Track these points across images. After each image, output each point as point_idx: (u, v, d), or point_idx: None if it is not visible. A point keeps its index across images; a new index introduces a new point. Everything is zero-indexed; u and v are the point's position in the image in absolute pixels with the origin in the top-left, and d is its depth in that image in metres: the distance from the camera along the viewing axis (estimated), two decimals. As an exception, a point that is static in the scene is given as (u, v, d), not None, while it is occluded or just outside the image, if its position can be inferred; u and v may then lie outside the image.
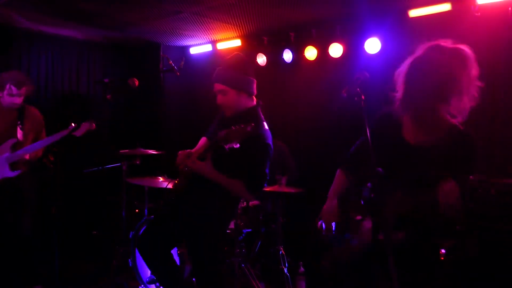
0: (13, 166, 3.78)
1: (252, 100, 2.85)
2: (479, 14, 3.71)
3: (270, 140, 2.74)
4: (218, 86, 2.75)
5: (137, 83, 3.15)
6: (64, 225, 5.37)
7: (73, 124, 3.78)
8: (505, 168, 3.63)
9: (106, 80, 4.38)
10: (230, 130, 2.41)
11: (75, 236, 5.47)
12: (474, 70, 2.02)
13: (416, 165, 2.00)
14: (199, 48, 5.92)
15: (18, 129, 3.88)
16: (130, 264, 4.27)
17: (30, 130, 3.98)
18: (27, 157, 3.81)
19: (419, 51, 2.10)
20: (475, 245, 3.12)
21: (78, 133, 3.77)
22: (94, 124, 3.80)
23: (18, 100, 3.88)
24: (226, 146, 2.44)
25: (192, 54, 5.99)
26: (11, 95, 3.83)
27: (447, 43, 2.05)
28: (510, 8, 3.63)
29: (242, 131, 2.40)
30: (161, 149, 4.43)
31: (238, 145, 2.44)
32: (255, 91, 2.84)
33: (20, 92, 3.85)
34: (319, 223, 2.39)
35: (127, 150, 4.35)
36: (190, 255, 2.96)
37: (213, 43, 5.74)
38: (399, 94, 2.09)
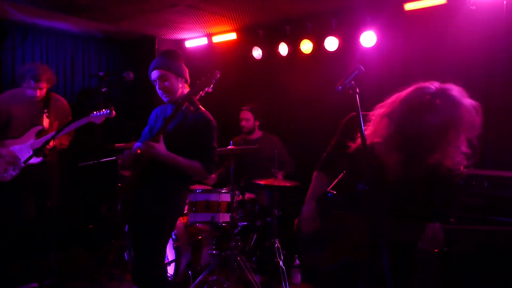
0: (37, 152, 3.86)
1: (187, 88, 2.93)
2: (474, 7, 3.71)
3: (212, 118, 2.82)
4: (157, 73, 2.80)
5: (132, 76, 3.15)
6: (60, 218, 5.39)
7: (95, 112, 3.79)
8: (498, 161, 3.65)
9: (101, 74, 4.38)
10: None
11: (71, 229, 5.47)
12: (469, 121, 1.85)
13: (387, 189, 1.96)
14: (194, 41, 5.89)
15: (45, 117, 4.00)
16: (126, 258, 4.29)
17: (55, 119, 4.10)
18: (51, 144, 3.84)
19: (409, 90, 1.96)
20: (469, 239, 3.14)
21: (97, 121, 3.81)
22: (114, 112, 3.81)
23: (39, 93, 3.99)
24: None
25: (188, 48, 5.97)
26: (30, 88, 3.94)
27: (438, 87, 1.91)
28: (505, 2, 3.64)
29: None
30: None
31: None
32: (189, 80, 2.93)
33: (38, 85, 3.95)
34: (296, 221, 2.38)
35: (122, 144, 4.35)
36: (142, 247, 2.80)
37: (209, 36, 5.72)
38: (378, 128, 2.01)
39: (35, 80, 3.90)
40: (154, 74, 2.80)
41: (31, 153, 3.87)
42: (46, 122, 4.00)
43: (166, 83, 2.78)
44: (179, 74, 2.83)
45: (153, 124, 3.00)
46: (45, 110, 4.02)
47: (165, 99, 2.84)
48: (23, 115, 3.99)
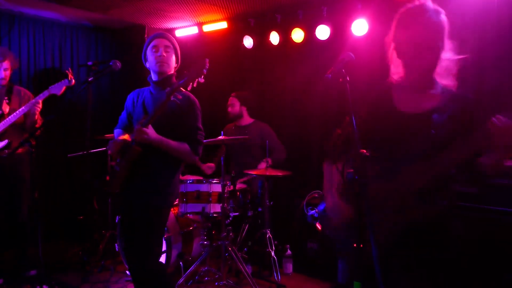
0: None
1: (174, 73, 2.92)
2: (466, -5, 3.69)
3: (195, 99, 2.83)
4: (164, 42, 2.82)
5: (119, 65, 3.10)
6: (50, 210, 5.36)
7: (53, 85, 3.93)
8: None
9: (90, 63, 4.33)
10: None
11: (61, 221, 5.44)
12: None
13: (417, 135, 1.93)
14: (184, 30, 5.83)
15: (5, 103, 3.98)
16: (117, 249, 4.27)
17: (19, 107, 4.04)
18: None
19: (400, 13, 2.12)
20: (458, 224, 3.15)
21: (58, 91, 3.89)
22: (73, 80, 3.93)
23: (4, 74, 3.98)
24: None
25: (178, 37, 5.90)
26: None
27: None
28: (496, -11, 3.62)
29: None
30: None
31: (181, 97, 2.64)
32: (177, 67, 2.94)
33: (2, 64, 3.95)
34: None
35: (112, 134, 4.30)
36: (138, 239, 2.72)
37: (199, 25, 5.65)
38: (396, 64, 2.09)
39: None
40: (160, 42, 2.80)
41: None
42: (6, 107, 3.98)
43: (168, 54, 2.80)
44: (177, 57, 2.91)
45: (131, 109, 2.96)
46: (6, 97, 4.01)
47: (157, 68, 2.78)
48: None
